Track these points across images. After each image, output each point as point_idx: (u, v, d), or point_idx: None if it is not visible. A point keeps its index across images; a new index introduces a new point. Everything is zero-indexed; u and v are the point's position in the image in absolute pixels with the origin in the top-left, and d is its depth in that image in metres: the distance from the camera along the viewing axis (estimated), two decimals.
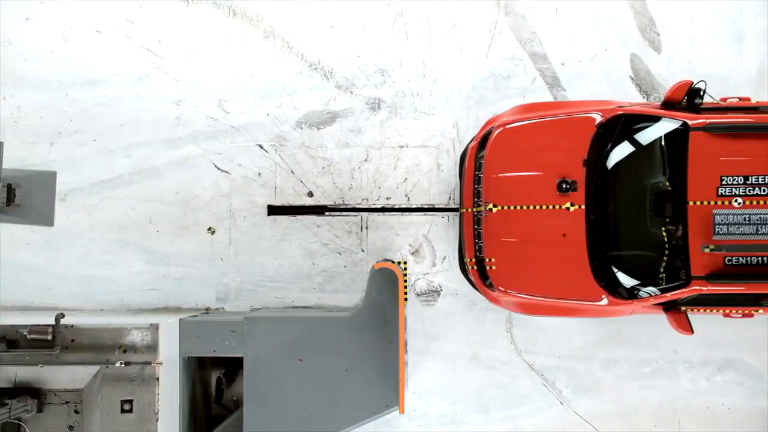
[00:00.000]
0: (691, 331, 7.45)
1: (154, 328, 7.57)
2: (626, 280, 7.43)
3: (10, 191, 6.56)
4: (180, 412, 7.93)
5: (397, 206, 9.05)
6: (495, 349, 8.96)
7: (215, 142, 9.02)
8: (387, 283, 8.04)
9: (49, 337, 7.36)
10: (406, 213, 9.01)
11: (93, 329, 7.57)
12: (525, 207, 7.53)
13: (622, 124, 7.46)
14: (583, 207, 7.41)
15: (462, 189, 8.10)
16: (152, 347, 7.56)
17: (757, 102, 7.64)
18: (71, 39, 9.04)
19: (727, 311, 7.51)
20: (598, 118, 7.53)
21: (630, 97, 8.87)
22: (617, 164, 7.46)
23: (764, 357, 8.88)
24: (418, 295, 8.99)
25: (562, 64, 9.01)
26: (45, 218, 6.82)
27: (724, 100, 7.76)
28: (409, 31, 9.05)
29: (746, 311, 7.48)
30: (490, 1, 9.04)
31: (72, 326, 7.53)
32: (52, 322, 7.39)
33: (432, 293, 8.98)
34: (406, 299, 8.70)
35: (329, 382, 7.96)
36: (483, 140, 7.92)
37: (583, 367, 8.95)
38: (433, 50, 9.03)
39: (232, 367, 8.98)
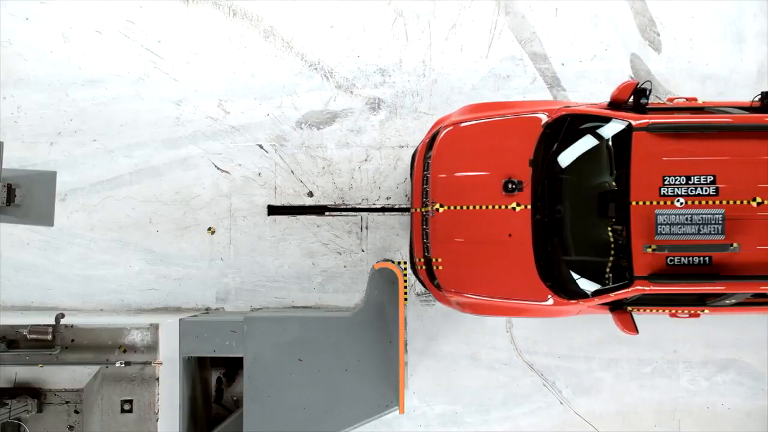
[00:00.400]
0: (636, 331, 7.37)
1: (154, 328, 7.56)
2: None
3: (10, 191, 6.55)
4: (180, 412, 7.93)
5: (397, 206, 9.05)
6: (495, 349, 8.95)
7: (215, 142, 9.03)
8: (387, 283, 8.04)
9: (49, 337, 7.35)
10: (406, 213, 9.00)
11: (93, 329, 7.56)
12: (471, 207, 7.48)
13: (568, 124, 7.40)
14: (529, 207, 7.36)
15: (411, 189, 8.06)
16: (152, 347, 7.55)
17: (703, 102, 7.59)
18: (71, 39, 9.04)
19: (674, 311, 7.46)
20: (545, 119, 7.50)
21: None
22: (564, 164, 7.41)
23: (764, 357, 8.87)
24: (418, 295, 8.99)
25: (562, 64, 9.01)
26: (45, 218, 6.81)
27: (671, 100, 7.73)
28: (409, 31, 9.05)
29: (692, 311, 7.42)
30: (490, 1, 9.04)
31: (72, 326, 7.52)
32: (52, 322, 7.38)
33: None
34: (406, 299, 8.69)
35: (329, 382, 7.95)
36: (431, 140, 7.87)
37: (583, 367, 8.95)
38: (433, 50, 9.03)
39: (232, 367, 8.99)
